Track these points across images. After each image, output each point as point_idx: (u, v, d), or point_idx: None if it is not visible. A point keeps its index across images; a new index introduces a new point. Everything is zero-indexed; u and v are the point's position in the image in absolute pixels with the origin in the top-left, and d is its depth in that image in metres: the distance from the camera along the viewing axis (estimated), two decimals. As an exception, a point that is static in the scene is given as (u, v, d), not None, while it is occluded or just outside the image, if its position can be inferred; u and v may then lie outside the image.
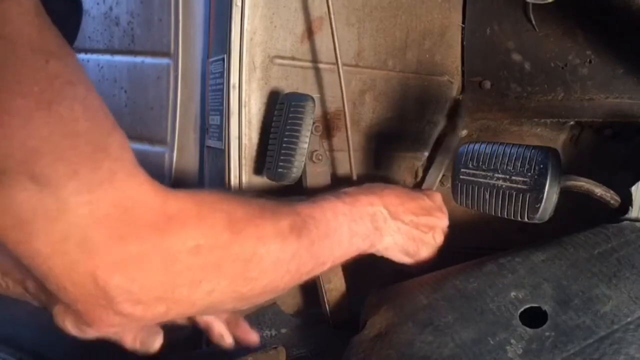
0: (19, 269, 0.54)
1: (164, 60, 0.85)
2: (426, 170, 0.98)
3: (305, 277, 0.57)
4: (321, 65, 0.80)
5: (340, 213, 0.61)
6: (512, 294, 0.54)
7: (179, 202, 0.46)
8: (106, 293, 0.41)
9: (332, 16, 0.72)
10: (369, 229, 0.63)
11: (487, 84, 0.94)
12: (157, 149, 0.87)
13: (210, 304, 0.49)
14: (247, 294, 0.50)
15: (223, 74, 0.74)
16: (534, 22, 0.85)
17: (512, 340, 0.49)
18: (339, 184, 0.78)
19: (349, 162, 0.77)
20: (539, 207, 0.52)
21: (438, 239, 0.71)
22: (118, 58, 0.92)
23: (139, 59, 0.89)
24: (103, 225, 0.40)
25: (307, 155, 0.70)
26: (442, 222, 0.71)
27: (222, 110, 0.75)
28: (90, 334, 0.47)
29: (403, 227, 0.67)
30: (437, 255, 0.72)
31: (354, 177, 0.78)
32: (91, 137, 0.41)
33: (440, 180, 0.91)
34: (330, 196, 0.62)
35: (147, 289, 0.43)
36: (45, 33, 0.41)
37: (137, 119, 0.89)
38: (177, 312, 0.48)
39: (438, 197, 0.74)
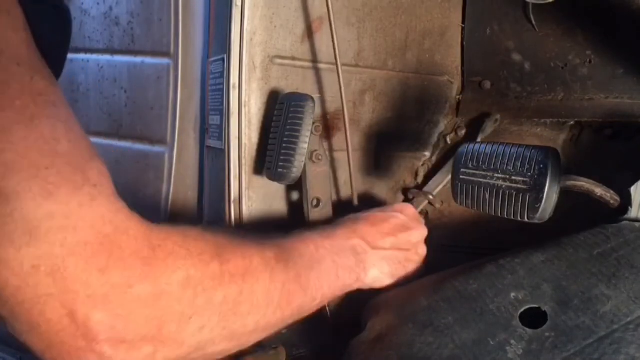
0: None
1: (164, 60, 0.85)
2: (427, 170, 0.98)
3: (296, 314, 0.54)
4: (321, 65, 0.80)
5: (321, 246, 0.60)
6: (512, 294, 0.54)
7: (163, 232, 0.43)
8: (87, 330, 0.37)
9: (332, 16, 0.72)
10: (353, 262, 0.62)
11: (487, 84, 0.94)
12: (157, 149, 0.87)
13: (199, 344, 0.45)
14: (238, 331, 0.47)
15: (223, 74, 0.74)
16: (534, 22, 0.85)
17: (512, 341, 0.49)
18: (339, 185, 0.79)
19: (348, 162, 0.77)
20: (539, 207, 0.52)
21: (422, 252, 0.71)
22: (118, 58, 0.92)
23: (139, 59, 0.89)
24: (80, 254, 0.36)
25: (307, 155, 0.70)
26: (421, 234, 0.71)
27: (222, 110, 0.75)
28: None
29: (386, 253, 0.66)
30: (422, 265, 0.71)
31: (353, 177, 0.78)
32: (71, 160, 0.38)
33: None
34: (308, 232, 0.61)
35: (132, 326, 0.39)
36: (32, 49, 0.39)
37: (137, 119, 0.89)
38: (164, 356, 0.43)
39: (410, 209, 0.73)
